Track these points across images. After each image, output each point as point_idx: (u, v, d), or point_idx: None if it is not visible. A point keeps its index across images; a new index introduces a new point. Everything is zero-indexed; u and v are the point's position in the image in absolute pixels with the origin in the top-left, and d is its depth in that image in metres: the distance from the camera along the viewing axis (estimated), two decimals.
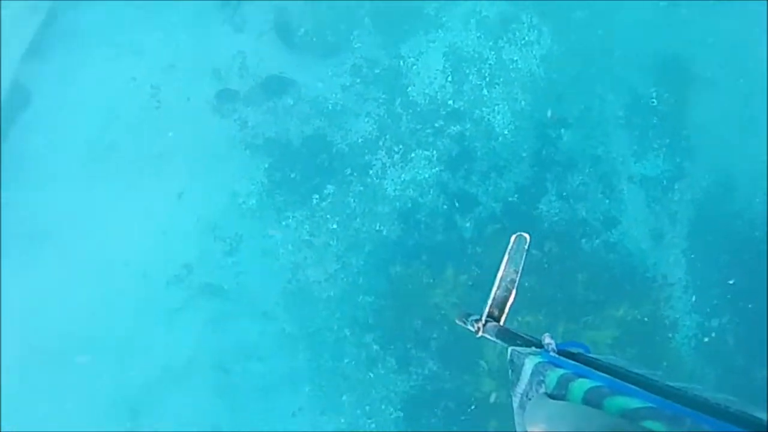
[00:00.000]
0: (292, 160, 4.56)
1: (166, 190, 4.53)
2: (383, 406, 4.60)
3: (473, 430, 4.51)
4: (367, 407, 4.61)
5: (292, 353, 4.59)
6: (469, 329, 1.29)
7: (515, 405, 0.91)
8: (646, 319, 4.72)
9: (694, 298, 4.77)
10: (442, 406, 4.60)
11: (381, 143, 4.56)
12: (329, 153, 4.55)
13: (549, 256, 4.65)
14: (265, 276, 4.57)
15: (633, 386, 0.73)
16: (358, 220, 4.56)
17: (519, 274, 1.25)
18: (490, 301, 1.24)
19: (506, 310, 1.25)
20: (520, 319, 4.48)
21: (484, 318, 1.23)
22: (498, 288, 1.25)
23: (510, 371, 0.98)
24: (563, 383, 0.79)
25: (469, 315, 1.30)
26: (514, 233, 1.26)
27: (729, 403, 0.63)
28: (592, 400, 0.72)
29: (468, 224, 4.61)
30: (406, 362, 4.58)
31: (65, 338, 4.51)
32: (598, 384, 0.75)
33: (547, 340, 0.96)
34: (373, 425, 4.61)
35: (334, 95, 4.56)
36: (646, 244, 4.81)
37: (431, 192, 4.58)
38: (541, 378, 0.84)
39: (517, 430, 0.88)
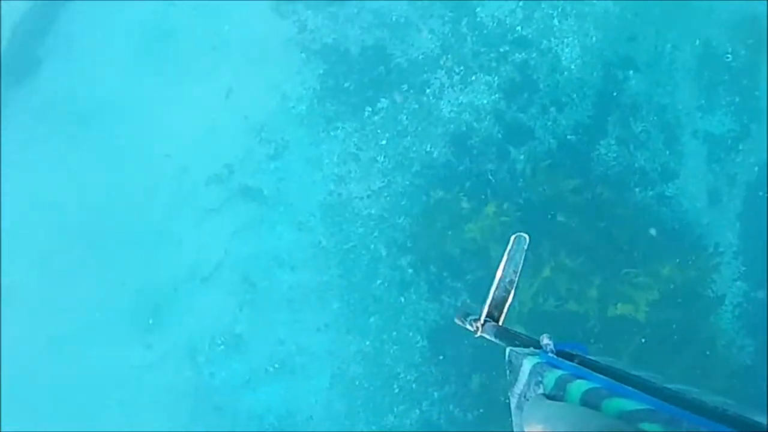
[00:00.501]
0: (348, 69, 4.51)
1: (215, 85, 4.50)
2: (410, 333, 4.58)
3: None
4: (394, 332, 4.59)
5: (324, 267, 4.57)
6: (467, 329, 1.30)
7: (513, 405, 0.93)
8: (689, 281, 4.64)
9: (743, 267, 4.68)
10: (470, 342, 4.57)
11: (442, 62, 4.50)
12: (387, 66, 4.49)
13: (598, 200, 4.57)
14: (306, 185, 4.54)
15: (631, 388, 0.74)
16: (408, 138, 4.51)
17: (518, 275, 1.26)
18: (488, 301, 1.26)
19: (505, 310, 1.27)
20: (557, 261, 4.42)
21: (482, 318, 1.25)
22: (497, 288, 1.26)
23: (508, 371, 0.99)
24: (561, 384, 0.80)
25: (468, 315, 1.32)
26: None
27: (726, 406, 0.63)
28: (590, 402, 0.73)
29: (521, 156, 4.54)
30: (440, 291, 4.55)
31: (96, 223, 4.51)
32: (596, 385, 0.76)
33: (545, 341, 0.97)
34: (397, 351, 4.59)
35: (399, 7, 4.50)
36: (701, 202, 4.72)
37: (487, 119, 4.52)
38: (539, 379, 0.86)
39: (515, 430, 0.89)
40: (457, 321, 1.40)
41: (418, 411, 4.56)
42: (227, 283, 4.53)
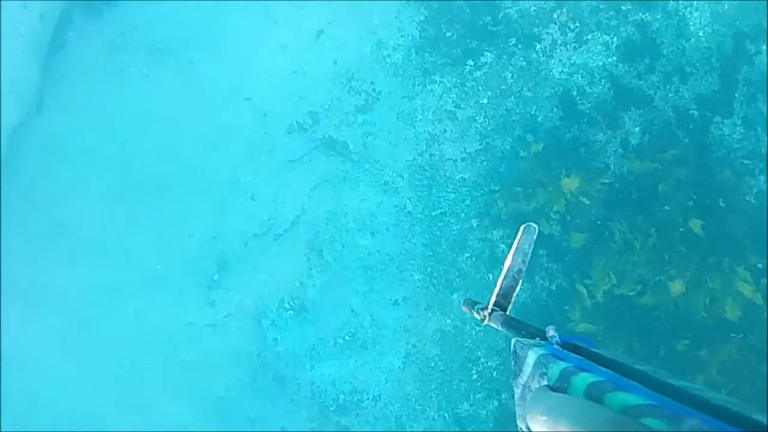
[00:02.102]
0: (452, 17, 4.52)
1: (305, 24, 4.55)
2: None
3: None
4: None
5: (407, 235, 4.58)
6: (475, 317, 1.41)
7: (517, 396, 1.00)
8: None
9: None
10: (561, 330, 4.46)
11: (555, 16, 4.48)
12: (495, 16, 4.48)
13: (716, 184, 4.42)
14: (395, 142, 4.55)
15: (635, 383, 0.79)
16: (512, 98, 4.49)
17: (526, 265, 1.36)
18: (496, 290, 1.36)
19: (512, 299, 1.38)
20: (651, 244, 4.29)
21: (490, 307, 1.35)
22: (505, 278, 1.37)
23: (513, 362, 1.06)
24: (565, 376, 0.86)
25: (475, 303, 1.43)
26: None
27: (730, 404, 0.68)
28: (593, 395, 0.78)
29: (637, 129, 4.45)
30: (533, 270, 4.51)
31: (167, 166, 4.57)
32: (600, 379, 0.81)
33: (551, 332, 1.05)
34: (479, 334, 4.55)
35: None
36: None
37: (601, 83, 4.49)
38: (544, 370, 0.92)
39: (518, 421, 0.96)
40: (464, 308, 1.51)
41: (496, 402, 4.68)
42: (301, 243, 4.59)
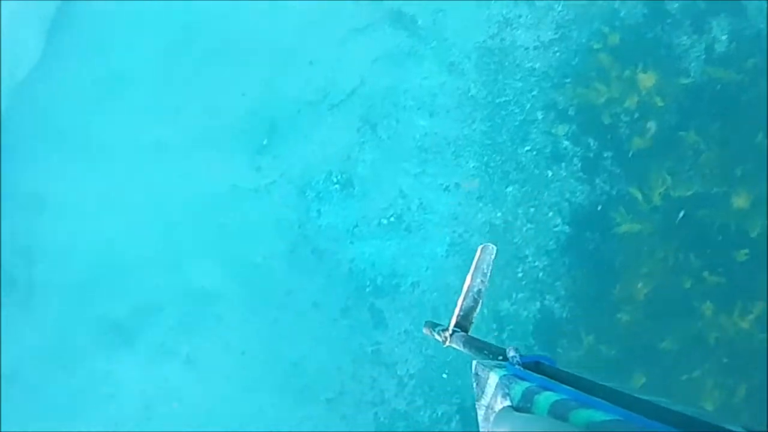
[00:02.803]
0: None
1: None
2: (550, 214, 5.15)
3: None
4: (532, 209, 5.16)
5: (467, 120, 5.16)
6: (436, 339, 1.62)
7: (480, 418, 1.15)
8: None
9: None
10: (617, 236, 5.04)
11: None
12: None
13: None
14: (467, 22, 5.12)
15: (599, 399, 0.91)
16: None
17: (486, 285, 1.59)
18: (456, 311, 1.59)
19: (472, 320, 1.60)
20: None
21: (451, 328, 1.58)
22: (465, 298, 1.60)
23: (474, 384, 1.22)
24: (528, 396, 0.99)
25: (436, 325, 1.66)
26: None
27: (699, 416, 0.77)
28: (558, 413, 0.89)
29: (724, 37, 4.97)
30: (595, 172, 5.08)
31: (226, 22, 5.19)
32: (564, 397, 0.94)
33: (511, 352, 1.22)
34: (530, 231, 5.13)
35: None
36: None
37: None
38: (506, 391, 1.06)
39: None
40: (425, 331, 1.74)
41: (539, 303, 5.22)
42: (356, 116, 5.19)
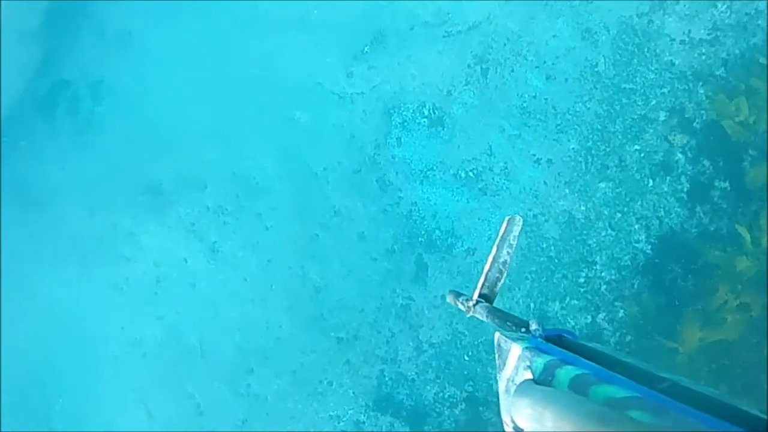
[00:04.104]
0: None
1: None
2: (636, 226, 6.13)
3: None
4: (619, 214, 6.23)
5: (585, 95, 6.26)
6: (459, 308, 2.02)
7: (501, 389, 1.45)
8: None
9: None
10: (693, 277, 6.17)
11: None
12: None
13: None
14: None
15: (619, 375, 1.17)
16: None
17: (511, 256, 1.95)
18: (481, 281, 1.97)
19: (497, 290, 1.99)
20: None
21: (475, 298, 1.97)
22: (490, 269, 1.99)
23: (497, 356, 1.53)
24: (550, 369, 1.28)
25: (460, 294, 2.08)
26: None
27: (715, 396, 1.02)
28: (578, 388, 1.17)
29: None
30: (700, 198, 6.15)
31: None
32: (585, 371, 1.20)
33: (534, 325, 1.55)
34: (608, 237, 6.29)
35: None
36: None
37: None
38: (528, 363, 1.36)
39: (503, 414, 1.42)
40: (449, 299, 2.18)
41: (590, 318, 6.08)
42: (469, 52, 6.35)
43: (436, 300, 6.32)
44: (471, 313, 2.06)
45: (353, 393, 6.55)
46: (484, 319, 1.96)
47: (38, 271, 6.82)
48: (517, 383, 1.42)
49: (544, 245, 6.27)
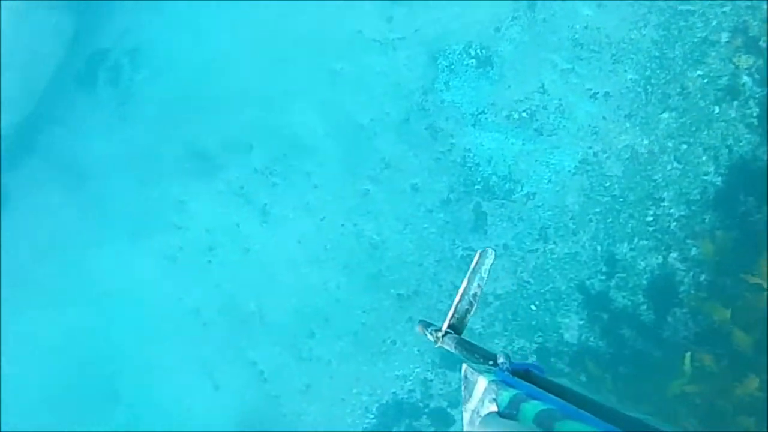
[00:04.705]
0: None
1: None
2: (704, 158, 6.09)
3: None
4: (684, 146, 6.31)
5: (639, 21, 6.44)
6: (428, 338, 2.29)
7: (466, 421, 1.61)
8: None
9: None
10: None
11: None
12: None
13: None
14: None
15: (585, 412, 1.33)
16: None
17: (482, 289, 2.12)
18: (451, 312, 2.16)
19: (466, 321, 2.14)
20: None
21: (444, 329, 2.16)
22: (460, 300, 2.17)
23: (463, 387, 1.68)
24: (515, 403, 1.43)
25: (429, 325, 2.26)
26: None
27: None
28: (543, 423, 1.31)
29: None
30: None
31: None
32: (550, 407, 1.35)
33: (501, 359, 1.69)
34: (675, 171, 6.67)
35: None
36: None
37: None
38: (494, 396, 1.51)
39: None
40: (418, 330, 2.37)
41: (661, 258, 6.38)
42: None
43: (497, 249, 6.62)
44: (439, 344, 2.26)
45: (418, 351, 7.04)
46: (452, 350, 2.15)
47: (91, 246, 7.68)
48: (482, 415, 1.59)
49: (608, 184, 6.61)
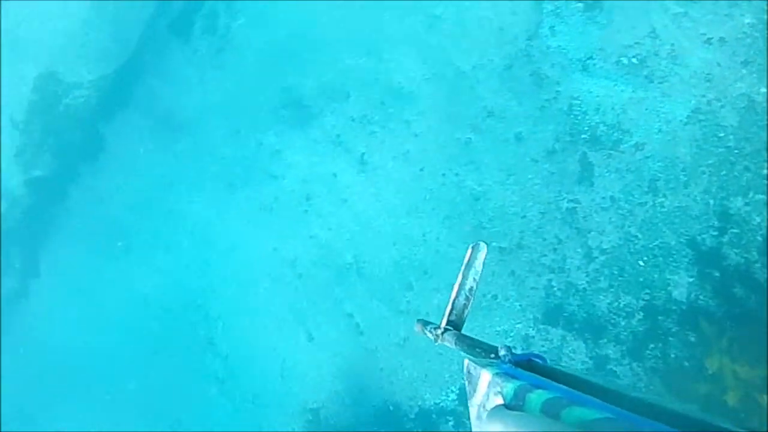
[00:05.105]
0: None
1: None
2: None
3: None
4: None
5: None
6: (428, 337, 2.38)
7: (473, 416, 1.69)
8: None
9: None
10: None
11: None
12: None
13: None
14: None
15: (591, 397, 1.40)
16: None
17: (477, 282, 2.20)
18: (448, 309, 2.27)
19: (464, 317, 2.25)
20: None
21: (443, 325, 2.27)
22: (456, 296, 2.27)
23: (467, 383, 1.77)
24: (520, 394, 1.52)
25: (428, 323, 2.36)
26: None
27: (688, 412, 1.22)
28: (550, 411, 1.40)
29: None
30: None
31: None
32: (556, 395, 1.44)
33: (502, 351, 1.80)
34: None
35: None
36: None
37: None
38: (498, 389, 1.60)
39: None
40: (416, 329, 2.45)
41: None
42: None
43: (604, 202, 6.91)
44: (439, 341, 2.39)
45: (520, 306, 7.33)
46: (453, 346, 2.27)
47: (186, 196, 8.32)
48: (489, 409, 1.67)
49: (722, 134, 6.73)
